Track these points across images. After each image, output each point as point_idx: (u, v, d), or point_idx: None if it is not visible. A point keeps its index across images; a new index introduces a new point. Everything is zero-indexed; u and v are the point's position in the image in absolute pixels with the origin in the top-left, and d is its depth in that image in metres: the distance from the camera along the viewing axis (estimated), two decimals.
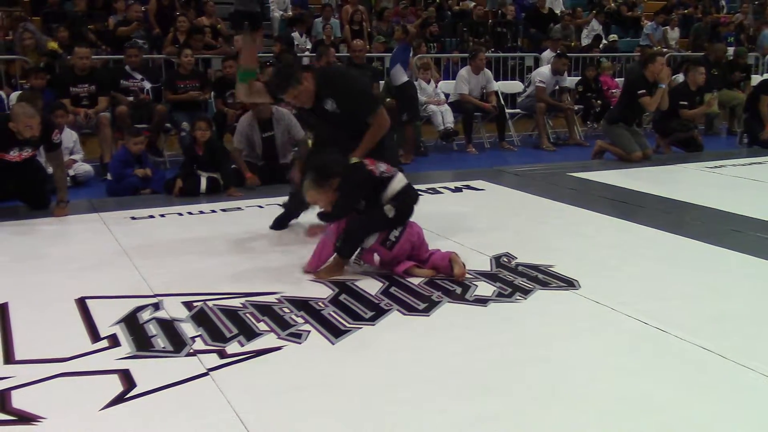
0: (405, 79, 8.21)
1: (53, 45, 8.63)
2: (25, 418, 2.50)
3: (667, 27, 14.09)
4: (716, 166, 7.45)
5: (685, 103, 8.37)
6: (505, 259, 4.24)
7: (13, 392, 2.67)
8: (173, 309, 3.48)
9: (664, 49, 12.94)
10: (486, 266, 4.12)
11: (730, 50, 11.88)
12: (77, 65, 7.36)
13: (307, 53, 10.39)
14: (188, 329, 3.24)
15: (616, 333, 3.23)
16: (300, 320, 3.35)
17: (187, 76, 7.97)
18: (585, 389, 2.70)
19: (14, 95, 7.35)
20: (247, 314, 3.41)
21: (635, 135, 7.95)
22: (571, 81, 10.14)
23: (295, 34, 11.27)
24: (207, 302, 3.56)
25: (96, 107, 7.34)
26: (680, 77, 10.77)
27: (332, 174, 3.81)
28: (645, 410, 2.55)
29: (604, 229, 5.02)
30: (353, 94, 4.37)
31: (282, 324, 3.30)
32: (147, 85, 7.84)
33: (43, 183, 5.69)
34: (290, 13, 12.45)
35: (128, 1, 10.19)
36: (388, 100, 8.16)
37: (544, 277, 3.93)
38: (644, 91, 7.76)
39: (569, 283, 3.84)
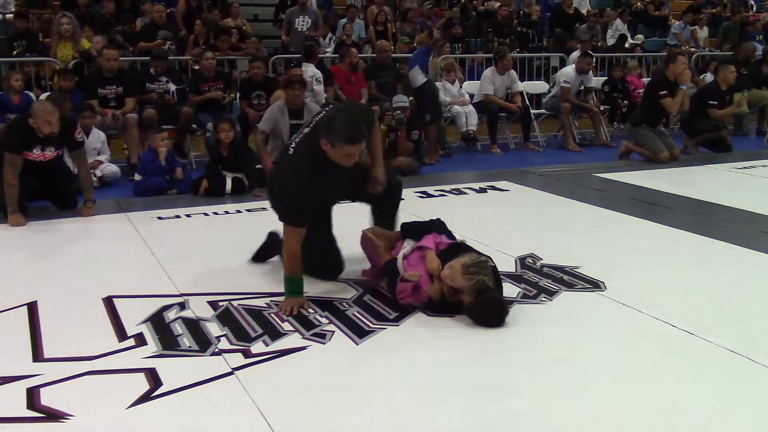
0: (423, 80, 8.19)
1: (87, 44, 8.73)
2: (53, 416, 2.53)
3: (695, 26, 13.92)
4: (745, 167, 7.35)
5: (715, 102, 8.25)
6: (530, 260, 4.22)
7: (42, 390, 2.70)
8: (199, 308, 3.50)
9: (692, 48, 12.78)
10: (511, 267, 4.09)
11: (759, 48, 11.72)
12: (105, 67, 7.44)
13: (329, 54, 10.42)
14: (213, 329, 3.26)
15: (643, 335, 3.20)
16: (324, 320, 3.36)
17: (210, 78, 8.01)
18: (610, 391, 2.68)
19: (43, 97, 7.44)
20: (272, 314, 3.43)
21: (661, 135, 7.87)
22: (597, 81, 10.05)
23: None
24: (232, 302, 3.58)
25: (123, 108, 7.41)
26: (708, 76, 10.66)
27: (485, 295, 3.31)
28: (671, 413, 2.53)
29: (630, 231, 4.97)
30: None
31: (306, 324, 3.31)
32: (172, 87, 7.89)
33: (69, 183, 5.76)
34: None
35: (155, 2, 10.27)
36: (411, 98, 8.14)
37: (570, 279, 3.90)
38: (665, 92, 7.66)
39: (595, 285, 3.81)
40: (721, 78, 8.38)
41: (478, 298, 3.27)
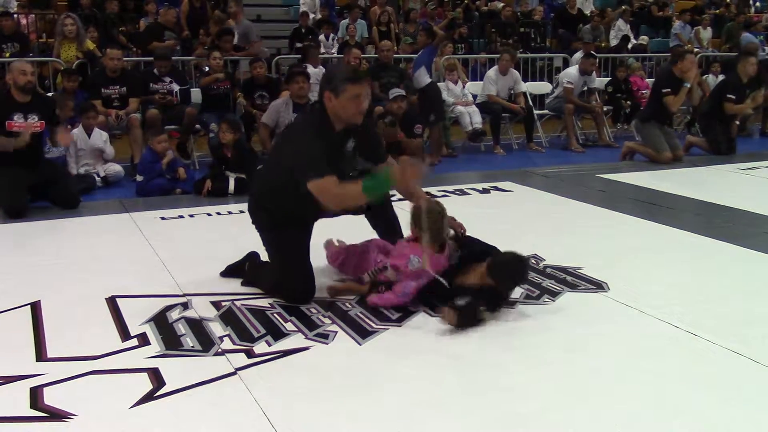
0: (428, 80, 8.20)
1: (91, 45, 8.75)
2: (56, 415, 2.54)
3: (699, 27, 13.90)
4: (748, 168, 7.35)
5: (733, 96, 8.13)
6: (533, 261, 4.22)
7: (45, 389, 2.71)
8: (202, 308, 3.51)
9: (696, 48, 12.75)
10: None
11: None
12: (109, 66, 7.45)
13: (334, 55, 10.43)
14: (216, 329, 3.27)
15: (646, 336, 3.19)
16: (327, 321, 3.36)
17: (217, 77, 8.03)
18: (613, 392, 2.68)
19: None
20: (275, 314, 3.43)
21: (667, 136, 7.84)
22: (600, 82, 10.04)
23: (321, 37, 11.31)
24: (235, 302, 3.58)
25: (126, 108, 7.42)
26: (711, 77, 10.64)
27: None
28: (674, 414, 2.52)
29: (633, 231, 4.96)
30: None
31: (309, 324, 3.31)
32: (175, 87, 7.91)
33: (68, 182, 5.83)
34: (319, 15, 12.51)
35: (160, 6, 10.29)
36: (413, 97, 8.15)
37: (573, 279, 3.90)
38: (668, 89, 7.63)
39: (598, 286, 3.80)
40: (741, 70, 8.26)
41: (496, 258, 3.39)
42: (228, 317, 3.40)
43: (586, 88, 9.41)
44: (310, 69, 8.23)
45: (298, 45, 10.36)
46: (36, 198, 5.64)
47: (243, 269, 3.92)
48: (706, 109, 8.45)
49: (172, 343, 3.12)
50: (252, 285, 3.79)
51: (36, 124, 5.53)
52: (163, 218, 5.38)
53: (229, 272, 3.97)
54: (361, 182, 3.32)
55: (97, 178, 6.71)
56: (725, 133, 8.23)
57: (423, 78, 8.13)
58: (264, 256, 3.85)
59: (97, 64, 8.19)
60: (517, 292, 3.68)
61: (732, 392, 2.68)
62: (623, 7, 14.14)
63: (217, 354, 3.02)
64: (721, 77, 10.67)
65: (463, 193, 6.26)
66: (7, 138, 5.38)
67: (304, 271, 3.61)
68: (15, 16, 9.57)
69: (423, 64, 8.18)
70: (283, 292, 3.61)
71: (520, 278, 3.52)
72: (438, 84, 8.78)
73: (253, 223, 3.79)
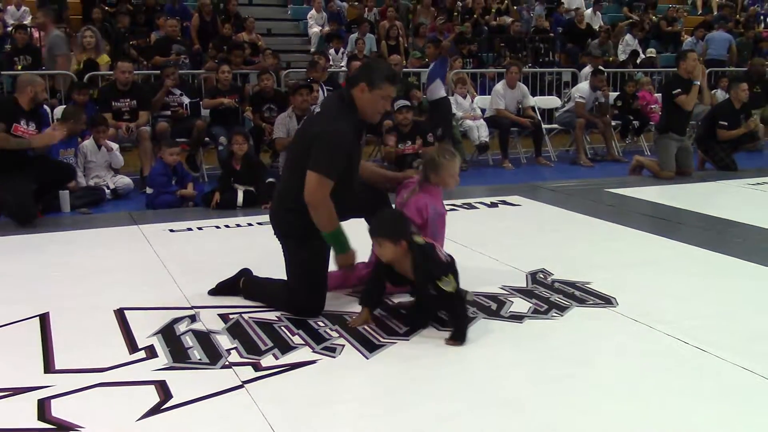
0: (443, 94, 8.21)
1: (106, 58, 8.82)
2: (64, 427, 2.54)
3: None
4: (758, 183, 7.32)
5: (725, 123, 8.11)
6: (541, 276, 4.21)
7: (53, 401, 2.72)
8: (209, 321, 3.51)
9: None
10: (522, 282, 4.08)
11: None
12: (119, 79, 7.50)
13: (342, 69, 10.48)
14: (224, 341, 3.27)
15: (654, 352, 3.18)
16: (335, 334, 3.36)
17: (226, 91, 8.08)
18: (621, 408, 2.67)
19: (58, 109, 7.54)
20: (282, 327, 3.43)
21: (683, 152, 7.72)
22: (612, 96, 10.03)
23: (331, 51, 11.36)
24: (243, 315, 3.58)
25: (137, 121, 7.47)
26: (720, 92, 10.62)
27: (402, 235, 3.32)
28: (683, 430, 2.50)
29: (642, 246, 4.95)
30: None
31: (317, 338, 3.31)
32: (186, 100, 7.95)
33: (68, 173, 6.27)
34: (327, 28, 12.58)
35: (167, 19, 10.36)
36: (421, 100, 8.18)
37: (581, 294, 3.89)
38: (679, 90, 7.58)
39: (606, 301, 3.79)
40: (734, 96, 8.28)
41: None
42: (235, 330, 3.41)
43: (597, 103, 9.41)
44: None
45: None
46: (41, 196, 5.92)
47: (236, 286, 3.85)
48: (701, 132, 8.43)
49: (179, 356, 3.12)
50: (253, 299, 3.77)
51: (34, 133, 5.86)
52: (171, 231, 5.39)
53: (220, 290, 3.87)
54: (339, 226, 3.49)
55: (107, 191, 6.75)
56: (725, 149, 8.20)
57: (438, 91, 8.13)
58: (267, 270, 3.85)
59: (99, 75, 8.29)
60: (525, 307, 3.68)
61: (741, 408, 2.66)
62: (630, 20, 14.16)
63: (224, 367, 3.02)
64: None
65: (471, 207, 6.26)
66: (16, 138, 5.70)
67: (319, 287, 3.60)
68: (28, 29, 9.64)
69: (438, 77, 8.18)
70: (293, 303, 3.60)
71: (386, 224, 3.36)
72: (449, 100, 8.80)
73: (275, 229, 3.70)
